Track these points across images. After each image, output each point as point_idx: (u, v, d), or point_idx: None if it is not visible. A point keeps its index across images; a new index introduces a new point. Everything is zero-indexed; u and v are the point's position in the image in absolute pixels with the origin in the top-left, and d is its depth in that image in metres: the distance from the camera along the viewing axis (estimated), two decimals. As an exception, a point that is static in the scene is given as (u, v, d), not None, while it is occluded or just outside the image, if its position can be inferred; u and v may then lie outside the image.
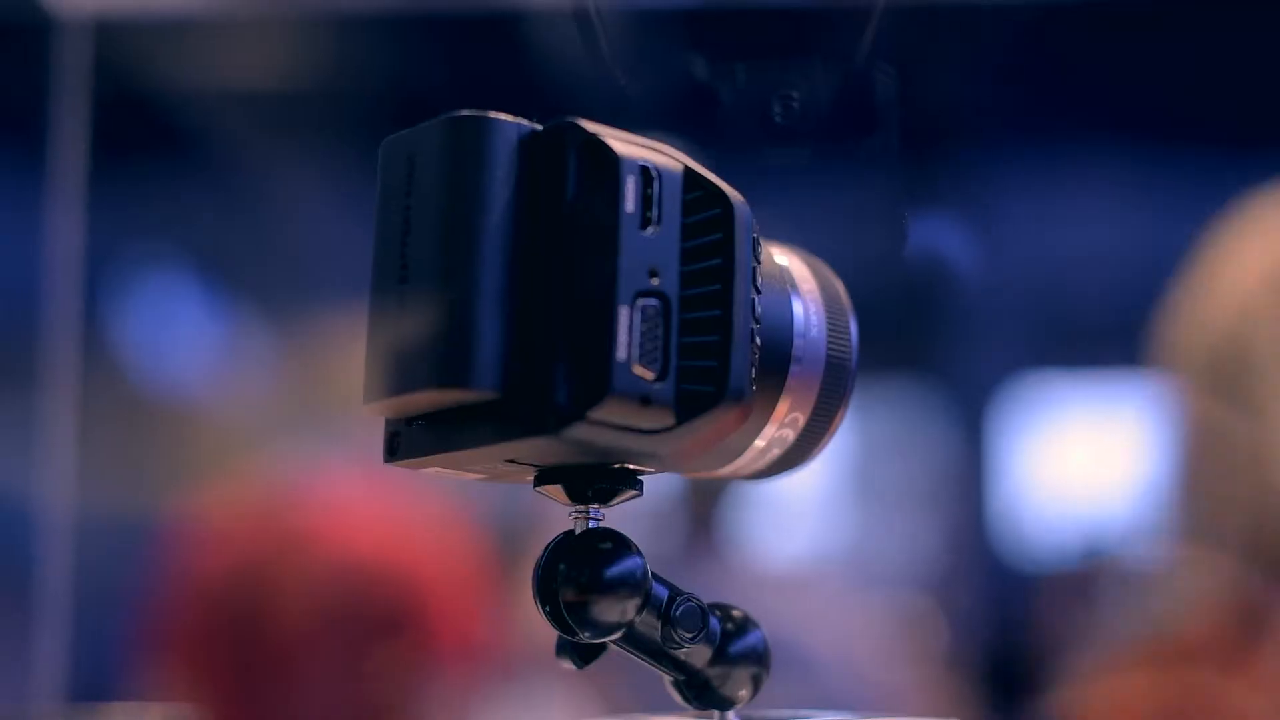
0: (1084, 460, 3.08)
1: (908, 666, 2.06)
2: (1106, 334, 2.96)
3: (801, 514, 2.60)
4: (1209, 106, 2.57)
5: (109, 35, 1.28)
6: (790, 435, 0.59)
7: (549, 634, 0.56)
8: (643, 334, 0.50)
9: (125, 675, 1.79)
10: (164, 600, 1.79)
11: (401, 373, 0.52)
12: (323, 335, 1.81)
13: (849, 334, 0.60)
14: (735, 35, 0.80)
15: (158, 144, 2.22)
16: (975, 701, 2.27)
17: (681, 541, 1.95)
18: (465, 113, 0.52)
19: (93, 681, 1.69)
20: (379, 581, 1.68)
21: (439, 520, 1.76)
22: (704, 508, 1.93)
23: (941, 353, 3.05)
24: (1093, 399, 3.14)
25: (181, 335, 2.33)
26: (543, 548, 0.56)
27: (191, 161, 2.29)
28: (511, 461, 0.54)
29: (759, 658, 0.59)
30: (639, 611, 0.55)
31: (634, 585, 0.54)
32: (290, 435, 1.81)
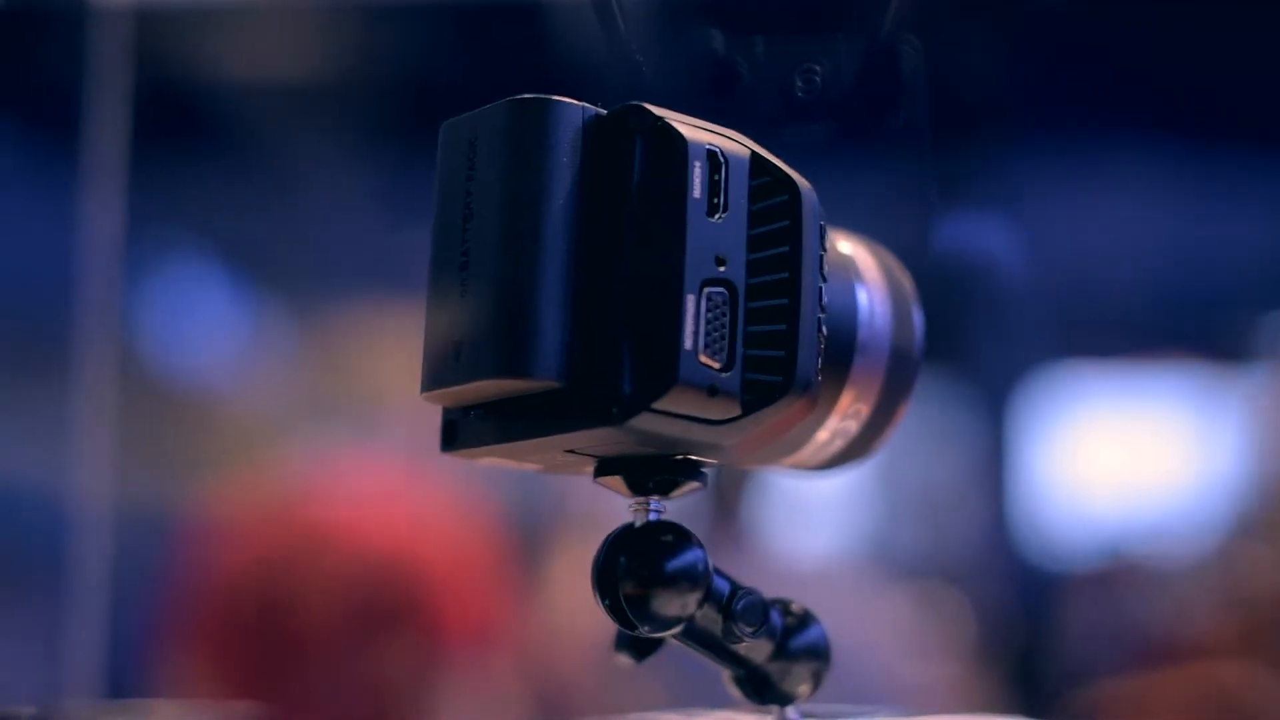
0: (1111, 454, 3.07)
1: (934, 661, 2.05)
2: (1135, 326, 2.95)
3: (827, 507, 2.59)
4: (1242, 99, 2.55)
5: (147, 23, 1.27)
6: (854, 427, 0.58)
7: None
8: (709, 323, 0.49)
9: (156, 669, 1.78)
10: (192, 592, 1.79)
11: (461, 361, 0.51)
12: (353, 328, 1.80)
13: (913, 324, 0.59)
14: (755, 8, 0.79)
15: (194, 133, 2.21)
16: (1002, 697, 2.26)
17: (706, 534, 1.94)
18: (529, 95, 0.51)
19: (124, 675, 1.69)
20: (400, 573, 1.67)
21: (459, 512, 1.76)
22: (730, 499, 1.92)
23: (967, 345, 3.04)
24: (1121, 392, 3.13)
25: (216, 327, 2.33)
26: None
27: (227, 151, 2.28)
28: (572, 452, 0.53)
29: (821, 653, 0.57)
30: (700, 605, 0.53)
31: (695, 579, 0.53)
32: (316, 427, 1.80)
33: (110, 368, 1.13)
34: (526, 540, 1.78)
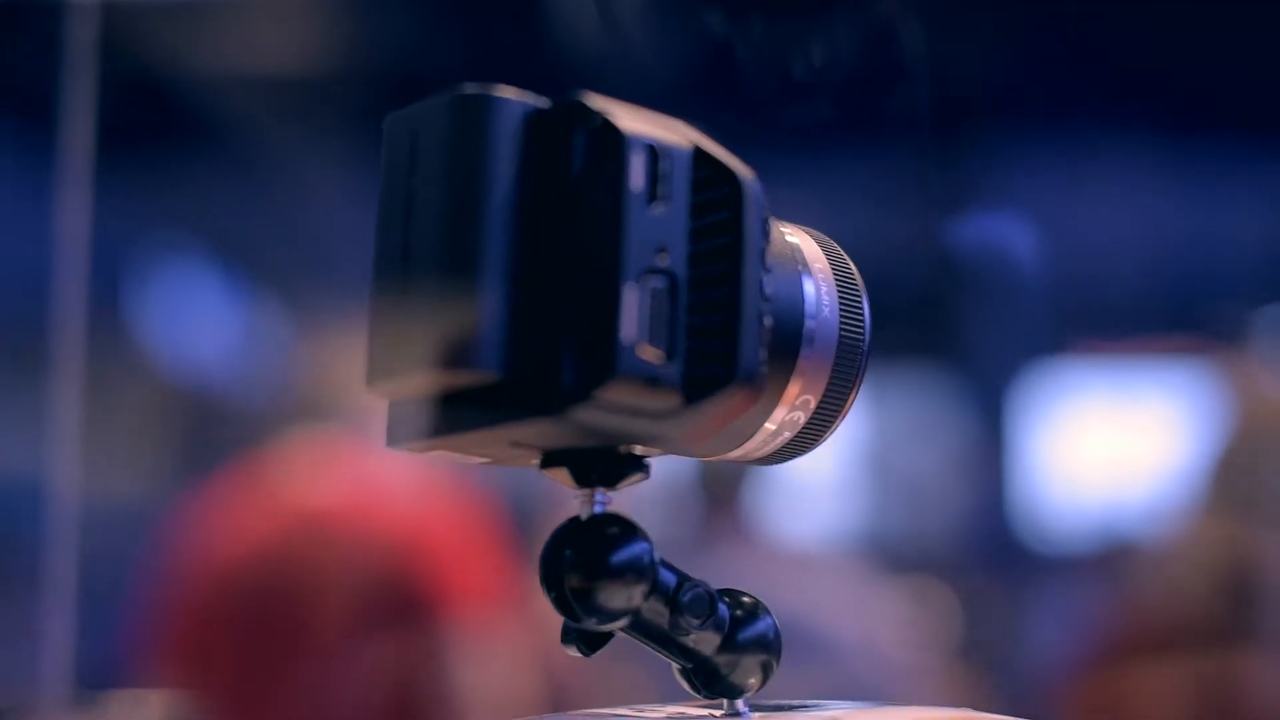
0: (1105, 444, 3.07)
1: (923, 651, 2.05)
2: (1129, 316, 2.95)
3: (819, 498, 2.60)
4: (1235, 94, 2.55)
5: (118, 15, 1.27)
6: (801, 418, 0.58)
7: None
8: (650, 314, 0.49)
9: (137, 661, 1.79)
10: (178, 585, 1.79)
11: (404, 354, 0.51)
12: (334, 318, 1.80)
13: (863, 315, 0.59)
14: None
15: (167, 126, 2.21)
16: (990, 686, 2.26)
17: (698, 523, 1.94)
18: (470, 89, 0.51)
19: (103, 668, 1.69)
20: (394, 564, 1.67)
21: (456, 501, 1.76)
22: (721, 490, 1.92)
23: (960, 336, 3.04)
24: (1115, 382, 3.13)
25: (191, 318, 2.33)
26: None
27: (201, 144, 2.28)
28: (517, 445, 0.53)
29: (768, 645, 0.57)
30: (646, 598, 0.53)
31: (640, 571, 0.53)
32: (305, 419, 1.80)
33: (86, 361, 1.12)
34: (526, 525, 1.78)
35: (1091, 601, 2.13)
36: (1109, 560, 2.56)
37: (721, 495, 1.92)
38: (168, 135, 2.20)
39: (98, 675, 1.55)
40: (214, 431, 2.05)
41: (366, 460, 1.72)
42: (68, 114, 1.09)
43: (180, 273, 2.34)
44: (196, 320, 2.31)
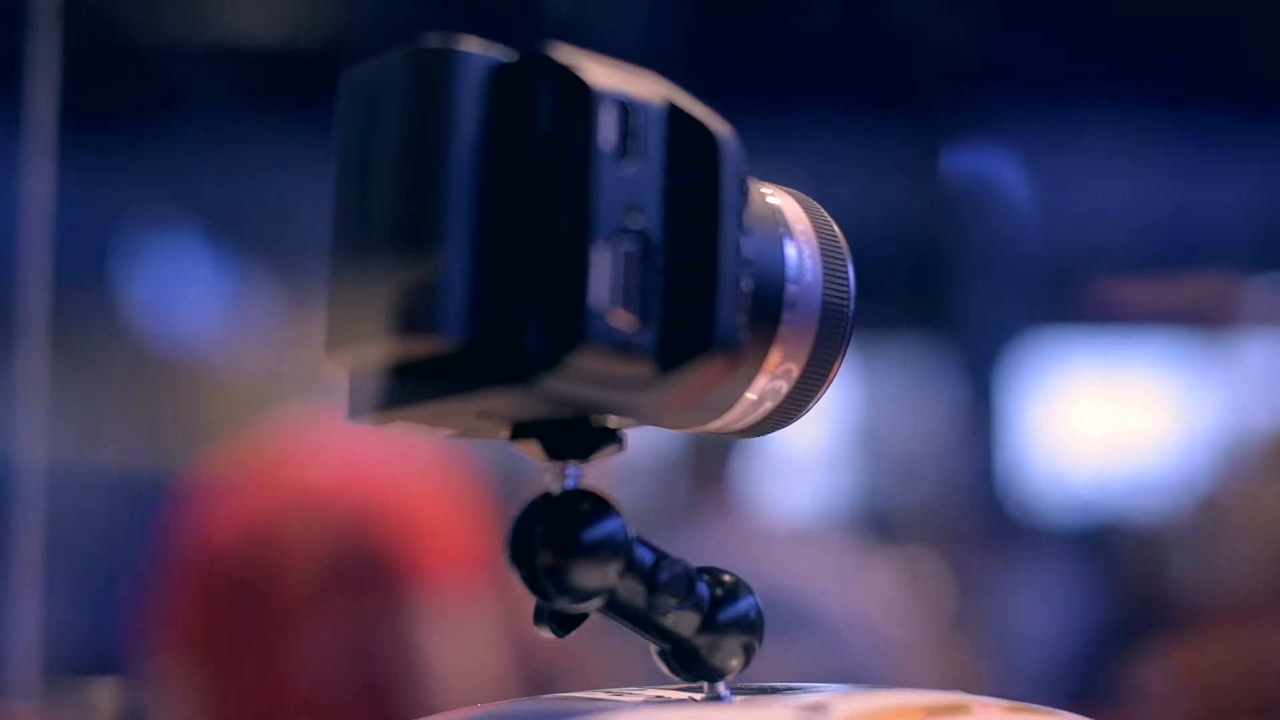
0: (1097, 416, 3.06)
1: (913, 627, 2.04)
2: (1118, 289, 2.93)
3: (808, 470, 2.58)
4: (1231, 64, 2.53)
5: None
6: (784, 387, 0.56)
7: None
8: (622, 277, 0.47)
9: (110, 641, 1.77)
10: (159, 561, 1.78)
11: (363, 321, 0.49)
12: (309, 288, 1.78)
13: (847, 279, 0.56)
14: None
15: (134, 94, 2.19)
16: (983, 662, 2.25)
17: (684, 498, 1.92)
18: (431, 44, 0.48)
19: (74, 648, 1.67)
20: (374, 538, 1.66)
21: (437, 471, 1.74)
22: (708, 462, 1.90)
23: (952, 306, 3.02)
24: (1106, 354, 3.12)
25: (162, 289, 2.31)
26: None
27: (169, 112, 2.26)
28: (483, 416, 0.50)
29: (750, 626, 0.55)
30: (621, 576, 0.51)
31: (615, 548, 0.51)
32: (280, 390, 1.79)
33: (55, 333, 1.10)
34: (512, 494, 1.76)
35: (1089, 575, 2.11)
36: (1100, 533, 2.54)
37: (706, 468, 1.90)
38: (135, 103, 2.17)
39: (68, 656, 1.54)
40: (186, 404, 2.03)
41: (344, 433, 1.70)
42: (33, 82, 1.07)
43: (150, 243, 2.32)
44: (167, 290, 2.29)
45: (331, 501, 1.69)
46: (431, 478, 1.74)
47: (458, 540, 1.70)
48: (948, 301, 3.00)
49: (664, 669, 0.56)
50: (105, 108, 1.82)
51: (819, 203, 0.58)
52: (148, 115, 2.21)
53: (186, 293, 2.28)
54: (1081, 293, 2.91)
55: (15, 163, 1.09)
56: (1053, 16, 2.51)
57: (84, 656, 1.71)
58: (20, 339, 1.08)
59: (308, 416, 1.75)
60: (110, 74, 1.81)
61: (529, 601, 0.54)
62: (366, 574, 1.65)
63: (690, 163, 0.49)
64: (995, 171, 3.01)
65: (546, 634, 0.55)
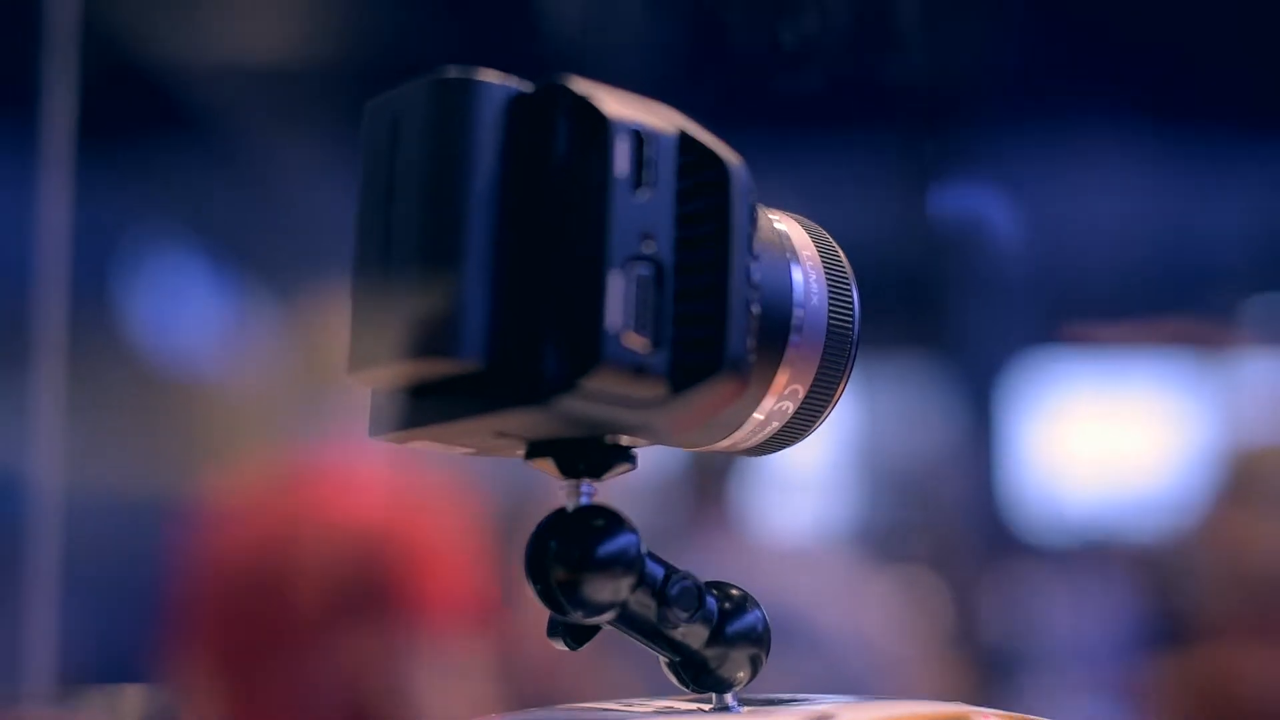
0: (1096, 435, 3.07)
1: (913, 644, 2.05)
2: (1117, 308, 2.95)
3: (808, 489, 2.59)
4: (1229, 81, 2.54)
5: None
6: (790, 408, 0.57)
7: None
8: (636, 302, 0.48)
9: (122, 654, 1.78)
10: (163, 580, 1.78)
11: (385, 343, 0.50)
12: (322, 308, 1.80)
13: (851, 303, 0.58)
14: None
15: (151, 113, 2.20)
16: (980, 679, 2.26)
17: (686, 515, 1.93)
18: (451, 73, 0.50)
19: (87, 660, 1.68)
20: (383, 556, 1.67)
21: (440, 494, 1.75)
22: (709, 481, 1.92)
23: (951, 324, 3.03)
24: (1105, 373, 3.13)
25: (177, 307, 2.32)
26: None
27: (185, 130, 2.27)
28: (500, 435, 0.52)
29: (758, 639, 0.56)
30: (633, 590, 0.53)
31: (627, 563, 0.52)
32: (289, 412, 1.79)
33: (69, 353, 1.12)
34: (512, 518, 1.77)
35: (1085, 593, 2.12)
36: (1099, 551, 2.55)
37: (709, 486, 1.91)
38: (151, 122, 2.18)
39: (82, 668, 1.55)
40: (200, 422, 2.04)
41: (352, 455, 1.71)
42: (50, 101, 1.08)
43: (165, 261, 2.33)
44: (181, 310, 2.30)
45: (333, 528, 1.69)
46: (434, 508, 1.75)
47: (457, 574, 1.71)
48: (948, 320, 3.01)
49: (673, 680, 0.57)
50: (119, 127, 1.84)
51: (820, 225, 0.60)
52: (163, 135, 2.23)
53: (198, 311, 2.29)
54: (1080, 314, 2.93)
55: (32, 182, 1.10)
56: (1052, 38, 2.52)
57: (103, 664, 1.72)
58: (35, 356, 1.10)
59: (315, 439, 1.75)
60: (125, 93, 1.83)
61: (533, 629, 0.55)
62: (362, 601, 1.65)
63: (701, 190, 0.50)
64: (993, 193, 3.02)
65: (560, 646, 0.57)
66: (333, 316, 1.73)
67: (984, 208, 3.02)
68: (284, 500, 1.72)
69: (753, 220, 0.51)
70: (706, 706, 0.57)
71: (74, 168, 1.11)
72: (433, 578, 1.68)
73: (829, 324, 0.57)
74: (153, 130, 2.22)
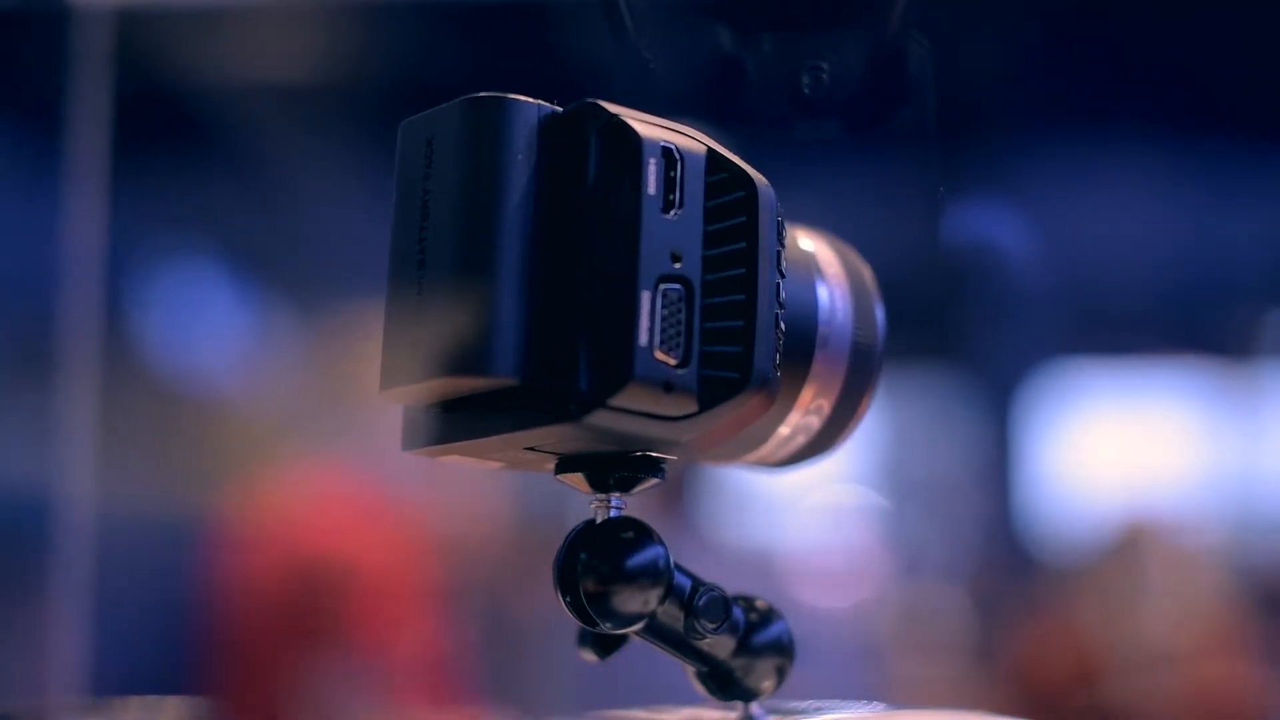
0: (1116, 450, 3.06)
1: (935, 658, 2.05)
2: (1138, 321, 2.95)
3: (829, 502, 2.59)
4: (1248, 97, 2.54)
5: (129, 23, 1.27)
6: (815, 422, 0.58)
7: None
8: (665, 319, 0.49)
9: (144, 669, 1.79)
10: (185, 594, 1.79)
11: (419, 360, 0.51)
12: (345, 326, 1.81)
13: (875, 320, 0.59)
14: (762, 5, 0.78)
15: (179, 134, 2.21)
16: (1002, 694, 2.25)
17: (682, 536, 1.94)
18: (484, 94, 0.51)
19: (111, 675, 1.69)
20: (324, 585, 1.67)
21: (469, 504, 1.76)
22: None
23: (972, 339, 3.03)
24: (1126, 387, 3.12)
25: (202, 326, 2.33)
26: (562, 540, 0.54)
27: (213, 152, 2.28)
28: (532, 449, 0.53)
29: (783, 649, 0.57)
30: (661, 602, 0.53)
31: (656, 575, 0.53)
32: (313, 429, 1.80)
33: (98, 369, 1.13)
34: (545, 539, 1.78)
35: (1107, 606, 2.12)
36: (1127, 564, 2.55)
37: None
38: (180, 143, 2.19)
39: (108, 681, 1.56)
40: (225, 439, 2.05)
41: (370, 475, 1.72)
42: (80, 122, 1.09)
43: (193, 281, 2.34)
44: (209, 328, 2.31)
45: (296, 551, 1.69)
46: (464, 508, 1.75)
47: (407, 599, 1.72)
48: (969, 337, 3.01)
49: (701, 690, 0.58)
50: (149, 148, 1.85)
51: (843, 241, 0.61)
52: (191, 155, 2.23)
53: (225, 328, 2.30)
54: (1101, 330, 2.92)
55: (63, 202, 1.11)
56: (1069, 55, 2.52)
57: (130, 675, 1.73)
58: (64, 373, 1.11)
59: (341, 456, 1.76)
60: (154, 114, 1.84)
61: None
62: (314, 625, 1.66)
63: (729, 209, 0.51)
64: (1014, 211, 3.02)
65: (589, 657, 0.58)
66: (357, 335, 1.74)
67: (1005, 225, 3.02)
68: (311, 519, 1.73)
69: (780, 238, 0.52)
70: (733, 715, 0.58)
71: (104, 188, 1.11)
72: (391, 599, 1.69)
73: (853, 340, 0.58)
74: (181, 151, 2.23)
